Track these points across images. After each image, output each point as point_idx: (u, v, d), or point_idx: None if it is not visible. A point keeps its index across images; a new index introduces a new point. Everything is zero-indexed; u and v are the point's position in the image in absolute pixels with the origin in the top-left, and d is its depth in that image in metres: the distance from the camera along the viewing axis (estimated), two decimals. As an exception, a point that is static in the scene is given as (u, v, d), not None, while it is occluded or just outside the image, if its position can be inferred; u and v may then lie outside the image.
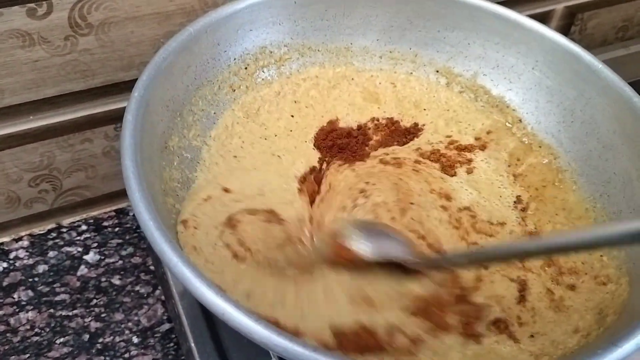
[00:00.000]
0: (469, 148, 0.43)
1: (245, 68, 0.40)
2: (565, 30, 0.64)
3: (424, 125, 0.44)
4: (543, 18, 0.61)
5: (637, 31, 0.70)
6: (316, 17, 0.42)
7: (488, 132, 0.44)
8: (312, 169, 0.39)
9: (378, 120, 0.43)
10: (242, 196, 0.36)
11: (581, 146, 0.40)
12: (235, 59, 0.40)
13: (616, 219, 0.36)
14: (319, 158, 0.40)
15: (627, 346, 0.26)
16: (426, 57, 0.44)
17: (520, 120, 0.43)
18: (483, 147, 0.43)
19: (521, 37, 0.42)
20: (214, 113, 0.39)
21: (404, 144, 0.43)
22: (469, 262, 0.34)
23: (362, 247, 0.33)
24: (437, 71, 0.45)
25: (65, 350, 0.41)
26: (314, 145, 0.41)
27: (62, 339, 0.42)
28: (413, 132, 0.43)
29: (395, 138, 0.43)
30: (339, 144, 0.41)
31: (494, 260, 0.34)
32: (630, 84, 0.57)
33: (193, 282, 0.25)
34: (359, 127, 0.43)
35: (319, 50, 0.43)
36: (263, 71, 0.41)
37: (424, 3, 0.42)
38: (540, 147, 0.42)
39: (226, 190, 0.36)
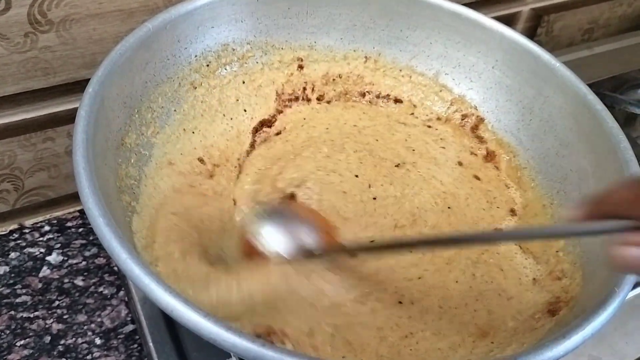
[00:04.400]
0: None
1: (207, 65, 0.40)
2: (531, 32, 0.65)
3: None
4: (510, 20, 0.62)
5: (602, 33, 0.72)
6: (279, 15, 0.42)
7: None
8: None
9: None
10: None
11: (539, 144, 0.40)
12: (196, 56, 0.40)
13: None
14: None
15: (575, 338, 0.26)
16: (389, 56, 0.45)
17: (482, 120, 0.44)
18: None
19: (482, 37, 0.42)
20: (174, 110, 0.38)
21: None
22: (372, 250, 0.34)
23: (269, 244, 0.32)
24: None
25: (25, 352, 0.40)
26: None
27: (22, 341, 0.41)
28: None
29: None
30: None
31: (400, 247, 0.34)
32: (595, 83, 0.58)
33: (142, 279, 0.25)
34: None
35: (282, 48, 0.43)
36: (225, 68, 0.41)
37: (387, 2, 0.43)
38: (500, 145, 0.43)
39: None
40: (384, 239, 0.36)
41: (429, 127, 0.44)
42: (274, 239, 0.33)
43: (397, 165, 0.41)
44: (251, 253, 0.33)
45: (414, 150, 0.42)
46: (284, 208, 0.37)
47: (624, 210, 0.21)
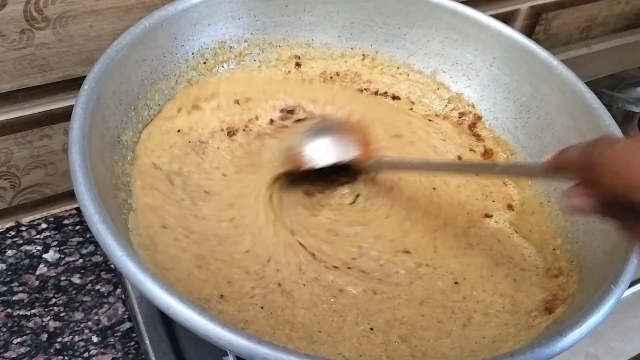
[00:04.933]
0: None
1: (204, 63, 0.40)
2: (530, 30, 0.65)
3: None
4: (508, 18, 0.62)
5: (600, 31, 0.72)
6: (276, 13, 0.42)
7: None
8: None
9: None
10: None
11: (537, 142, 0.40)
12: (193, 54, 0.39)
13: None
14: None
15: (572, 335, 0.26)
16: (387, 54, 0.45)
17: (479, 118, 0.44)
18: None
19: (479, 35, 0.42)
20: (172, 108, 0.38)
21: None
22: (411, 167, 0.38)
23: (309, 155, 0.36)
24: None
25: (22, 350, 0.40)
26: None
27: (19, 339, 0.41)
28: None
29: None
30: None
31: (437, 169, 0.39)
32: (592, 82, 0.58)
33: (138, 276, 0.25)
34: None
35: (279, 46, 0.43)
36: (223, 66, 0.41)
37: (384, 0, 0.43)
38: (497, 143, 0.43)
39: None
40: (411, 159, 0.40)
41: (430, 120, 0.44)
42: (315, 148, 0.36)
43: (395, 136, 0.42)
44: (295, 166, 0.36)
45: (414, 132, 0.43)
46: (330, 123, 0.40)
47: (570, 167, 0.25)
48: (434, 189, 0.39)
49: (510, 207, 0.40)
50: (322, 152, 0.37)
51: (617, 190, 0.22)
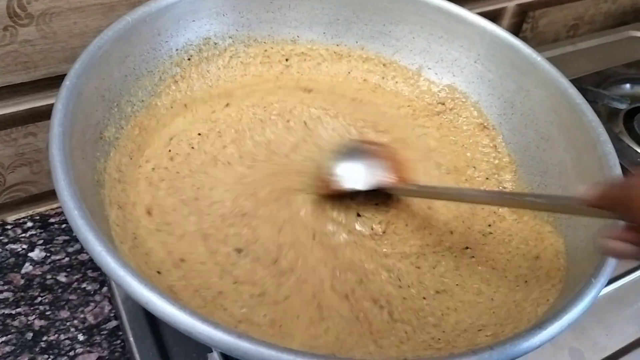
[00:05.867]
0: None
1: (189, 59, 0.40)
2: (517, 28, 0.65)
3: None
4: (495, 16, 0.62)
5: (587, 29, 0.72)
6: (261, 9, 0.42)
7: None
8: None
9: None
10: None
11: (520, 137, 0.41)
12: (177, 50, 0.39)
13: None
14: None
15: (552, 328, 0.27)
16: (372, 51, 0.45)
17: (465, 114, 0.44)
18: None
19: (464, 31, 0.42)
20: (156, 104, 0.38)
21: None
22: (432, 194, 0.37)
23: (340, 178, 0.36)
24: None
25: (7, 349, 0.40)
26: None
27: (4, 338, 0.40)
28: None
29: None
30: None
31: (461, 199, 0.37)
32: (578, 79, 0.59)
33: (117, 272, 0.25)
34: None
35: (265, 42, 0.43)
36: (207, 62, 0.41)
37: (369, -3, 0.43)
38: (482, 139, 0.43)
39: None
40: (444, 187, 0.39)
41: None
42: (348, 174, 0.36)
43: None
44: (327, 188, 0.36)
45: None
46: (361, 146, 0.39)
47: (617, 207, 0.24)
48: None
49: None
50: (356, 176, 0.36)
51: None
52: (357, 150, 0.38)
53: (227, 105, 0.41)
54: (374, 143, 0.40)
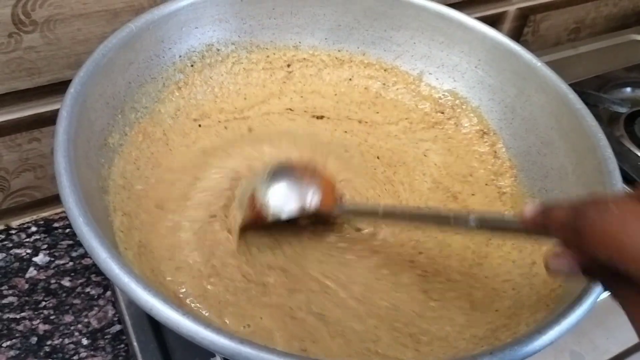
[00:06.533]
0: None
1: (192, 65, 0.40)
2: (518, 32, 0.66)
3: None
4: (496, 20, 0.62)
5: (588, 33, 0.72)
6: (263, 15, 0.42)
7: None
8: None
9: None
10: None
11: (521, 142, 0.41)
12: (180, 56, 0.40)
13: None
14: None
15: (551, 333, 0.27)
16: (374, 56, 0.45)
17: (465, 118, 0.44)
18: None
19: (464, 37, 0.43)
20: (159, 110, 0.38)
21: None
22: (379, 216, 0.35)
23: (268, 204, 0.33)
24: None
25: (12, 353, 0.40)
26: None
27: (8, 342, 0.41)
28: None
29: None
30: None
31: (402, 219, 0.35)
32: (579, 83, 0.59)
33: (121, 278, 0.25)
34: None
35: (267, 49, 0.43)
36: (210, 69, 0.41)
37: (371, 3, 0.43)
38: (483, 144, 0.43)
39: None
40: (386, 207, 0.37)
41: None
42: (276, 197, 0.33)
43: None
44: (253, 210, 0.33)
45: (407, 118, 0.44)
46: (291, 167, 0.36)
47: (555, 230, 0.23)
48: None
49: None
50: (284, 202, 0.33)
51: (609, 262, 0.20)
52: (283, 174, 0.35)
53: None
54: (302, 164, 0.37)
